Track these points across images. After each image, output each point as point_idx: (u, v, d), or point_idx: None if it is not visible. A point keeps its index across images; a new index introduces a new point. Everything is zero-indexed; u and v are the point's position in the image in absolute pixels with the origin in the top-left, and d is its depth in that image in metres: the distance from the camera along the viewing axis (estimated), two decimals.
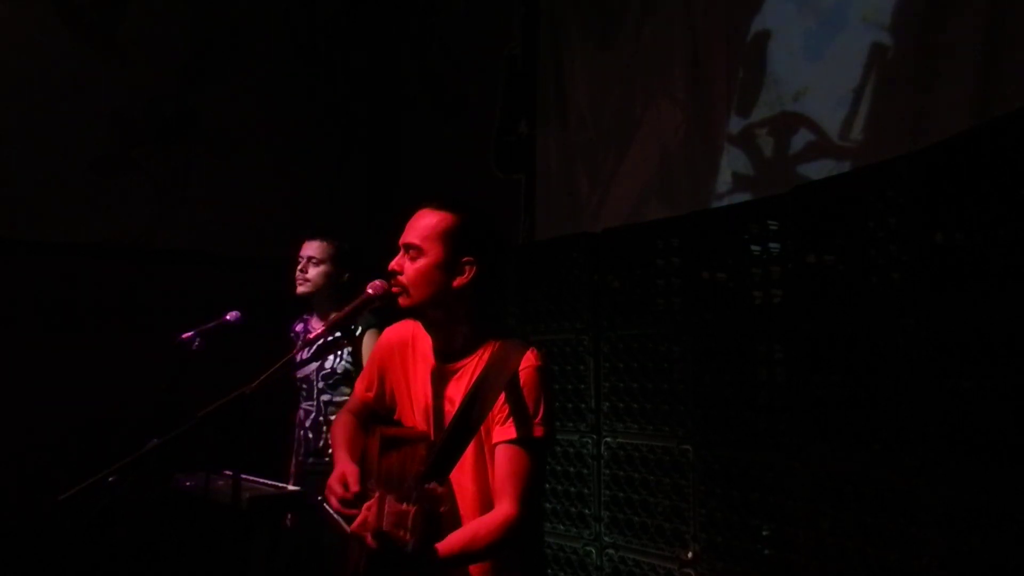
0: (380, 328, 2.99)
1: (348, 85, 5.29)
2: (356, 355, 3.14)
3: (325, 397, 3.23)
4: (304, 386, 3.25)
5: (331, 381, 3.21)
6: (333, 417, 3.04)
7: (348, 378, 3.19)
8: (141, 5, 4.54)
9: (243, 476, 2.81)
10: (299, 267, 3.22)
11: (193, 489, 2.78)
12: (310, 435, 3.24)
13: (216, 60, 4.77)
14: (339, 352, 3.11)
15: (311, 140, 5.08)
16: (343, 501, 1.87)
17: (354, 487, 1.87)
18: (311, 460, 3.23)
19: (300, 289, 3.21)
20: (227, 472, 2.72)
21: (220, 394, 1.75)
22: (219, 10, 4.80)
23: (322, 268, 3.23)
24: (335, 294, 3.25)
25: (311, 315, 3.32)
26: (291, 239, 3.39)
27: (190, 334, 3.05)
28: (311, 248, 3.24)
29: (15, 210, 4.08)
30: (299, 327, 3.36)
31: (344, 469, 1.94)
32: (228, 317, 3.13)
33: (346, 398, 3.15)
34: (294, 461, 3.31)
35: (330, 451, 3.01)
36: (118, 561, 3.87)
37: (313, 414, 3.24)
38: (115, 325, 4.21)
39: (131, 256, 4.38)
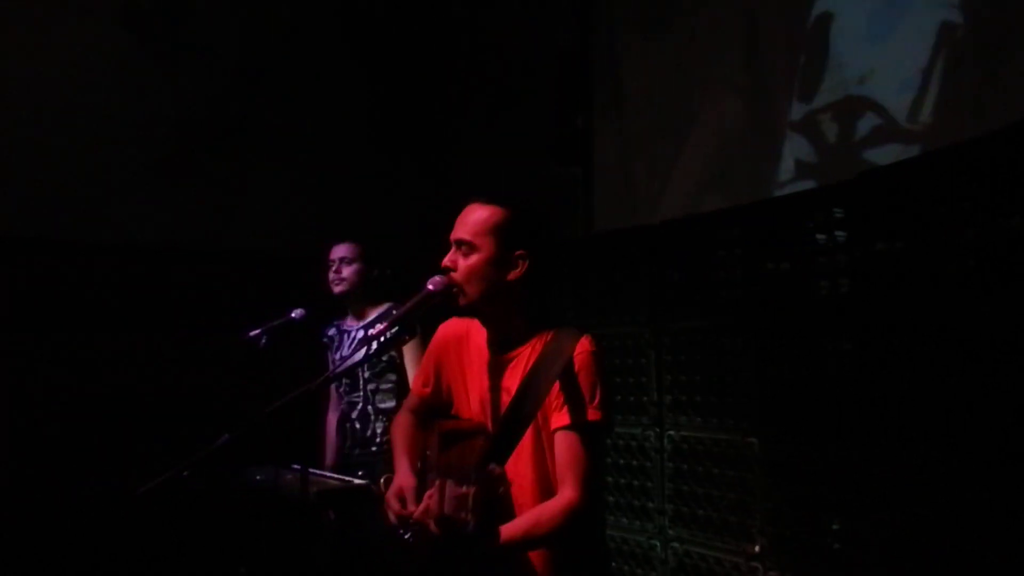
0: (426, 322, 3.10)
1: (400, 85, 5.33)
2: None
3: (371, 386, 3.36)
4: (347, 380, 3.38)
5: (377, 370, 3.35)
6: (382, 404, 3.29)
7: (392, 365, 3.33)
8: (199, 9, 4.62)
9: (311, 470, 2.92)
10: (332, 269, 3.41)
11: (263, 483, 2.96)
12: (357, 425, 3.36)
13: (270, 61, 4.89)
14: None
15: (363, 140, 5.25)
16: (400, 519, 1.92)
17: (411, 507, 1.91)
18: (357, 451, 3.35)
19: (338, 289, 3.41)
20: (295, 466, 2.80)
21: (281, 391, 1.82)
22: (271, 10, 4.85)
23: (355, 267, 3.43)
24: (367, 292, 3.45)
25: (342, 318, 3.49)
26: (344, 238, 3.59)
27: (257, 332, 3.13)
28: (341, 250, 3.44)
29: (78, 212, 4.34)
30: (331, 331, 3.52)
31: (402, 483, 1.97)
32: (293, 315, 3.23)
33: (392, 385, 3.31)
34: (336, 453, 3.45)
35: (377, 440, 3.27)
36: (189, 554, 3.99)
37: (360, 404, 3.37)
38: (183, 323, 4.52)
39: (193, 257, 4.47)
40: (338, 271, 3.38)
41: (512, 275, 1.90)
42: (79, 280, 4.29)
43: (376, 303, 3.41)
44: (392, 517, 1.92)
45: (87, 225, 4.37)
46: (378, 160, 5.34)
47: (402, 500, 1.93)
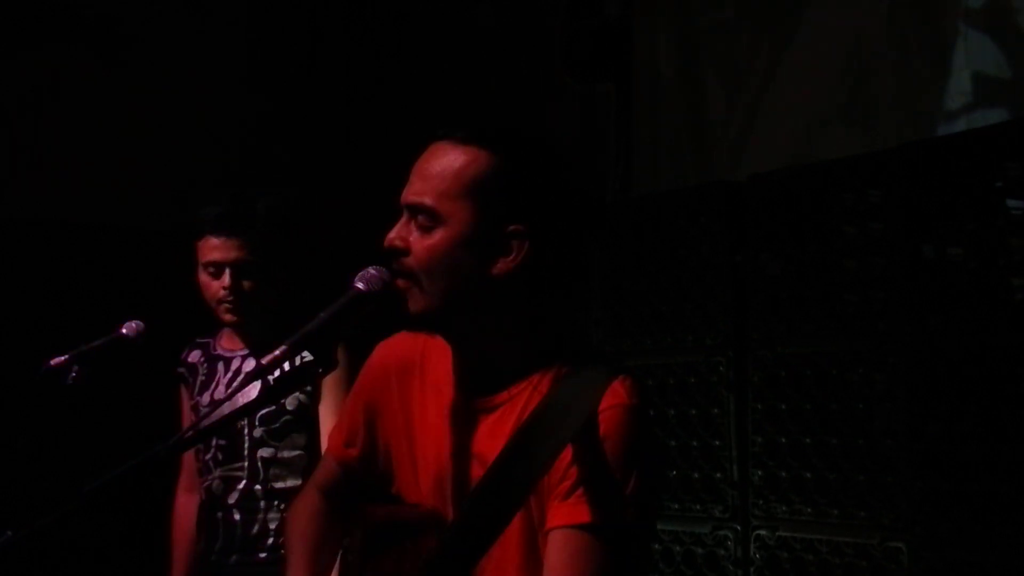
0: (353, 340, 2.86)
1: None
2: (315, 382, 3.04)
3: (266, 451, 2.85)
4: (221, 441, 2.92)
5: (276, 425, 2.85)
6: (280, 484, 2.85)
7: (302, 420, 2.86)
8: None
9: None
10: (222, 285, 2.73)
11: None
12: (236, 516, 2.85)
13: None
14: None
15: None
16: None
17: None
18: (234, 559, 2.86)
19: (231, 317, 2.77)
20: None
21: (108, 450, 1.70)
22: None
23: (257, 280, 2.76)
24: (275, 300, 2.95)
25: (215, 336, 3.03)
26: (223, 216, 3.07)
27: (63, 359, 2.63)
28: (234, 248, 2.74)
29: None
30: (194, 357, 3.04)
31: None
32: (124, 330, 2.72)
33: (299, 452, 2.87)
34: (193, 564, 2.97)
35: (270, 542, 2.81)
36: None
37: (244, 481, 2.85)
38: None
39: None
40: (233, 286, 2.75)
41: (502, 265, 1.63)
42: None
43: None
44: None
45: None
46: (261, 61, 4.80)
47: None
